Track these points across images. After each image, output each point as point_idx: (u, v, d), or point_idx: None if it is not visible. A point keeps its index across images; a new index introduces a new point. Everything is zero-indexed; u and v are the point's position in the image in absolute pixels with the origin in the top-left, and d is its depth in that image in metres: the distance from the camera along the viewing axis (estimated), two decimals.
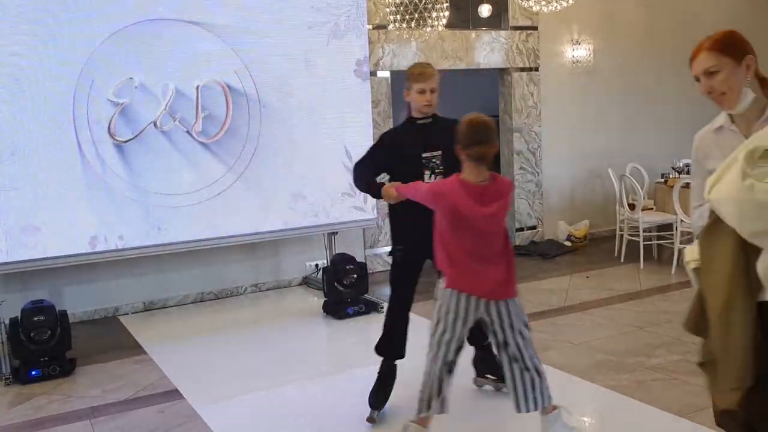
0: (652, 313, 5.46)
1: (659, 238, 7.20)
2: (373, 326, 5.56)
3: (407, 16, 5.90)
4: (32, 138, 5.16)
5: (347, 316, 5.72)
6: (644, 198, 7.27)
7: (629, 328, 5.13)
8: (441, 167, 3.65)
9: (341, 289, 5.79)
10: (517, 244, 8.13)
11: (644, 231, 6.95)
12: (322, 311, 5.89)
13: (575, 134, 8.42)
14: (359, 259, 6.18)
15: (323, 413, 3.92)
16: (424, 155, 3.67)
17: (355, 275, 5.83)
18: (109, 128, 5.41)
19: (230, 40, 5.79)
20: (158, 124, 5.58)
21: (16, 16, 5.07)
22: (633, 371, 4.28)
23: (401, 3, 5.76)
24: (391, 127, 7.18)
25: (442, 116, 3.81)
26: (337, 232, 6.51)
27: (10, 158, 5.09)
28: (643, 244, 6.96)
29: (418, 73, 3.70)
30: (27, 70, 5.12)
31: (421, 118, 3.75)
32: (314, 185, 6.18)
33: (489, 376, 4.09)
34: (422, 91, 3.68)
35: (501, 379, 3.55)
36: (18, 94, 5.10)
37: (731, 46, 2.35)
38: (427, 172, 3.68)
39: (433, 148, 3.67)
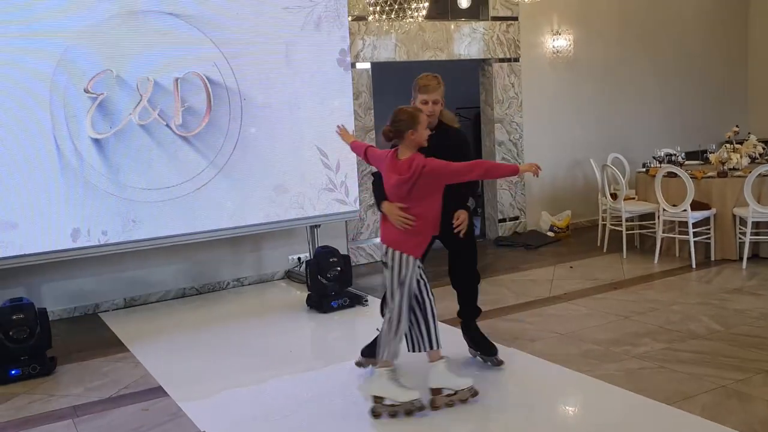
0: (637, 302, 5.48)
1: (641, 227, 7.23)
2: (357, 319, 5.53)
3: (387, 8, 5.85)
4: (8, 132, 5.05)
5: (331, 309, 5.67)
6: (626, 188, 7.29)
7: (614, 317, 5.14)
8: None
9: (325, 282, 5.73)
10: (499, 234, 8.13)
11: (626, 220, 6.98)
12: (305, 305, 5.84)
13: (556, 124, 8.44)
14: (342, 251, 6.13)
15: (309, 408, 3.88)
16: None
17: (339, 268, 5.78)
18: (86, 123, 5.30)
19: (210, 31, 5.70)
20: (137, 117, 5.48)
21: None
22: (620, 360, 4.28)
23: None
24: (372, 119, 7.13)
25: (447, 126, 4.01)
26: (320, 225, 6.46)
27: None
28: (626, 234, 6.98)
29: (422, 84, 3.96)
30: (1, 59, 5.00)
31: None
32: (296, 178, 6.12)
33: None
34: (425, 102, 3.91)
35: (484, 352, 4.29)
36: None
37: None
38: None
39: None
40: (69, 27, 5.21)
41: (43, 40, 5.12)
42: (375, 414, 3.67)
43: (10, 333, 4.58)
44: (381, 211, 3.77)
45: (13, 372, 4.55)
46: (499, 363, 4.28)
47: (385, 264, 3.75)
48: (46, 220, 5.22)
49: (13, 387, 4.46)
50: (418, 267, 3.75)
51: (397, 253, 3.67)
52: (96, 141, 5.36)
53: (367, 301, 5.80)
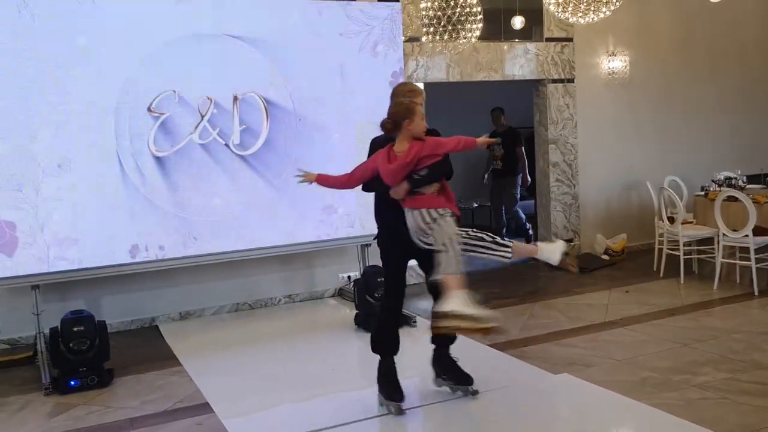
0: (696, 329, 5.32)
1: (699, 252, 7.04)
2: (405, 339, 5.48)
3: (440, 29, 5.86)
4: (75, 150, 5.23)
5: None
6: (683, 211, 7.12)
7: (673, 344, 5.00)
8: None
9: (372, 301, 5.73)
10: None
11: (684, 245, 6.81)
12: (354, 323, 5.85)
13: (612, 146, 8.31)
14: None
15: (352, 429, 3.88)
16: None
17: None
18: (148, 141, 5.46)
19: (268, 53, 5.82)
20: (197, 136, 5.62)
21: (59, 31, 5.15)
22: (680, 389, 4.16)
23: (435, 16, 5.74)
24: None
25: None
26: (370, 244, 6.47)
27: (57, 170, 5.16)
28: (684, 259, 6.81)
29: (414, 89, 4.16)
30: (70, 82, 5.19)
31: None
32: (349, 197, 6.16)
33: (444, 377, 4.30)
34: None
35: (457, 381, 4.20)
36: (61, 106, 5.17)
37: None
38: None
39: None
40: (134, 48, 5.39)
41: (110, 61, 5.31)
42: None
43: (71, 344, 4.71)
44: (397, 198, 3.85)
45: (72, 383, 4.67)
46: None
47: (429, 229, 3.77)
48: (107, 235, 5.36)
49: (71, 398, 4.58)
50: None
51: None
52: (157, 159, 5.51)
53: (415, 322, 5.77)
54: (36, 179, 5.11)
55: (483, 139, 3.89)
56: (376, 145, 4.11)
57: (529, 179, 8.98)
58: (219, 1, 5.65)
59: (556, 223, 8.07)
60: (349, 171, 4.07)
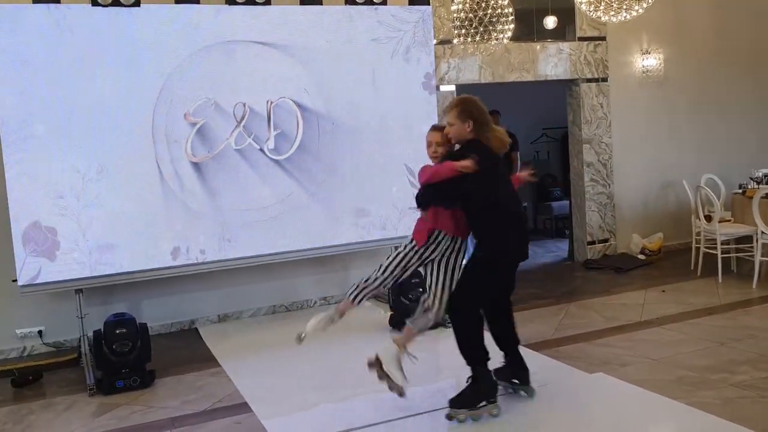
0: (734, 329, 5.26)
1: (738, 251, 6.94)
2: (439, 339, 5.53)
3: (472, 30, 5.89)
4: (114, 157, 5.38)
5: None
6: (721, 209, 7.02)
7: (710, 343, 4.95)
8: None
9: (407, 302, 5.78)
10: (588, 257, 7.98)
11: (722, 243, 6.72)
12: (388, 325, 5.89)
13: (647, 144, 8.24)
14: None
15: (391, 427, 3.93)
16: None
17: (421, 289, 5.80)
18: (186, 147, 5.59)
19: (301, 58, 5.92)
20: (233, 142, 5.74)
21: (97, 40, 5.31)
22: (717, 388, 4.12)
23: (466, 18, 5.76)
24: None
25: None
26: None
27: (96, 176, 5.32)
28: (721, 257, 6.72)
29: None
30: (109, 91, 5.34)
31: None
32: (382, 200, 6.23)
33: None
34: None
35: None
36: (100, 115, 5.33)
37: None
38: None
39: None
40: (171, 56, 5.52)
41: (147, 68, 5.45)
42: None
43: (114, 346, 4.85)
44: None
45: (115, 384, 4.81)
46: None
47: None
48: (147, 239, 5.49)
49: (115, 398, 4.72)
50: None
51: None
52: (195, 164, 5.64)
53: (449, 322, 5.78)
54: (77, 186, 5.27)
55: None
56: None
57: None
58: (253, 9, 5.77)
59: (591, 223, 8.02)
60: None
